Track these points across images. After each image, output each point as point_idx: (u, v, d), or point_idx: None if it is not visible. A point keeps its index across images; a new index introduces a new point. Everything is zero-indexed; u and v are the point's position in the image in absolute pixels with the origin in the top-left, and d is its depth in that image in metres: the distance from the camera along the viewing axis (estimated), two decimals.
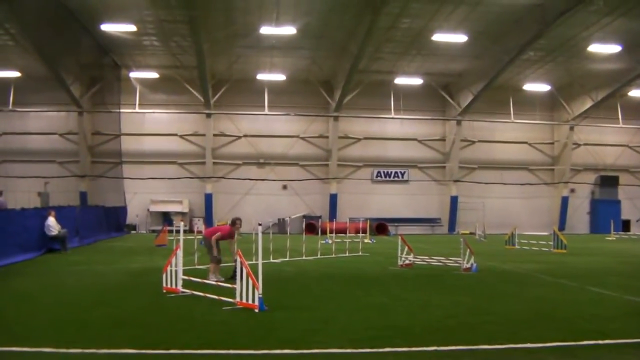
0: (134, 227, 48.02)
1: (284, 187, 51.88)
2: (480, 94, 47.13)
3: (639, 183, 56.98)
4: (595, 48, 40.04)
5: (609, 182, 55.61)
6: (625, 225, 54.80)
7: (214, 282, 15.07)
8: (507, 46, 39.70)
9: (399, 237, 22.36)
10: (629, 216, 56.04)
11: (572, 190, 55.89)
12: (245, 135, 51.40)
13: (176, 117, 50.63)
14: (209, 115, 49.53)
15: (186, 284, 14.47)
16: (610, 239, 44.16)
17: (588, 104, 50.68)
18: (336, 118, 50.70)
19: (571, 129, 53.84)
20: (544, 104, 54.37)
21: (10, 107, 46.63)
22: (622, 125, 53.76)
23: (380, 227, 49.23)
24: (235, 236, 17.63)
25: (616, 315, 12.16)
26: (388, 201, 53.02)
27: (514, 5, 34.89)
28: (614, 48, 39.99)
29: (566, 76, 48.66)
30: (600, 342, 9.65)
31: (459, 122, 51.92)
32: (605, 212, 53.88)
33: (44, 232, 26.28)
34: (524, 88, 51.07)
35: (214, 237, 16.97)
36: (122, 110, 47.45)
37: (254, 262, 13.35)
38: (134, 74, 47.42)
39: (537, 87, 50.98)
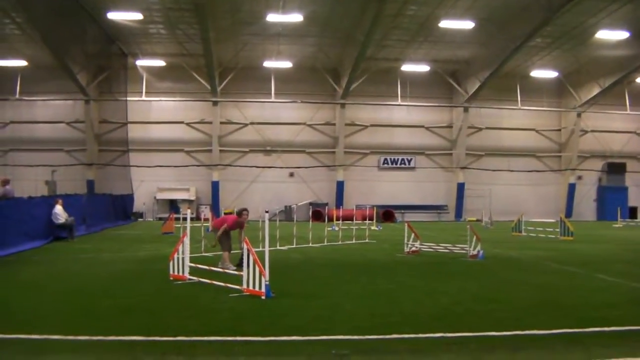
0: (141, 215, 48.16)
1: (291, 174, 51.92)
2: (487, 81, 47.03)
3: None
4: (602, 35, 39.96)
5: (616, 169, 55.49)
6: (632, 213, 54.68)
7: (219, 270, 15.10)
8: (514, 33, 39.61)
9: (406, 224, 22.37)
10: (636, 203, 55.98)
11: (579, 177, 55.81)
12: (251, 123, 51.43)
13: (183, 104, 50.64)
14: (215, 103, 49.56)
15: (193, 272, 14.52)
16: (617, 226, 44.10)
17: (595, 90, 50.51)
18: (343, 105, 50.65)
19: (578, 115, 53.70)
20: (551, 90, 54.22)
21: (17, 96, 46.82)
22: (630, 111, 53.63)
23: (386, 214, 49.26)
24: (245, 226, 17.66)
25: (622, 302, 12.14)
26: (395, 188, 53.03)
27: None
28: (621, 34, 39.86)
29: (574, 63, 48.51)
30: (606, 329, 9.64)
31: (466, 109, 51.82)
32: (612, 199, 53.82)
33: (51, 220, 26.35)
34: (531, 75, 50.97)
35: (220, 229, 17.00)
36: (128, 99, 47.53)
37: (260, 249, 13.37)
38: (140, 62, 47.48)
39: (544, 73, 50.85)
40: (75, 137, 49.28)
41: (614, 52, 44.24)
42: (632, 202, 55.69)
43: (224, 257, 16.88)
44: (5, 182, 23.90)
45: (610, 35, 40.23)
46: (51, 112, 48.73)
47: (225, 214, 44.82)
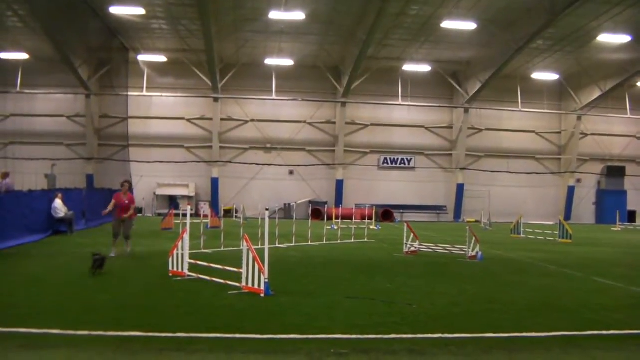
0: (140, 211, 48.07)
1: (291, 172, 51.96)
2: (488, 82, 47.05)
3: None
4: (604, 38, 40.01)
5: (615, 172, 55.58)
6: (631, 216, 54.71)
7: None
8: (516, 35, 39.64)
9: (405, 224, 22.39)
10: (635, 207, 56.00)
11: (579, 180, 55.89)
12: (252, 120, 51.45)
13: (183, 100, 50.67)
14: (216, 100, 49.58)
15: (192, 268, 14.54)
16: (615, 229, 44.13)
17: (596, 93, 50.58)
18: (343, 104, 50.68)
19: (579, 118, 53.76)
20: (552, 93, 54.27)
21: (18, 89, 46.78)
22: (630, 115, 53.71)
23: (386, 213, 49.31)
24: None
25: (621, 306, 12.16)
26: (394, 188, 53.08)
27: None
28: (623, 38, 39.95)
29: (575, 66, 48.51)
30: (604, 332, 9.68)
31: (466, 110, 51.85)
32: (611, 203, 53.87)
33: (51, 214, 26.39)
34: (532, 77, 51.05)
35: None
36: (129, 94, 47.50)
37: (260, 246, 13.39)
38: (142, 57, 47.48)
39: (545, 76, 50.88)
40: (75, 131, 49.31)
41: (615, 55, 44.32)
42: (631, 206, 55.70)
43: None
44: (5, 176, 23.93)
45: (612, 38, 40.29)
46: (52, 106, 48.70)
47: (224, 210, 45.06)
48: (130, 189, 20.84)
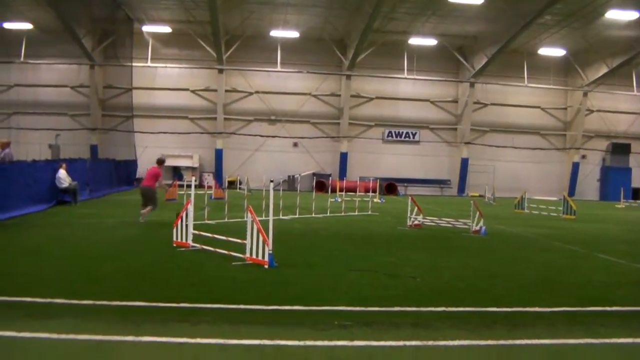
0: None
1: (295, 144, 51.91)
2: (494, 57, 46.84)
3: None
4: (612, 14, 39.61)
5: (620, 149, 55.39)
6: (635, 194, 54.60)
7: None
8: (523, 10, 39.36)
9: (409, 198, 22.40)
10: None
11: (583, 157, 55.77)
12: (257, 92, 51.33)
13: (188, 72, 50.48)
14: (221, 71, 49.42)
15: (196, 239, 14.56)
16: (619, 206, 44.05)
17: (603, 70, 50.31)
18: (349, 77, 50.52)
19: (585, 94, 53.56)
20: (558, 69, 54.01)
21: (22, 59, 46.60)
22: (637, 93, 53.35)
23: (389, 187, 49.33)
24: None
25: (624, 282, 12.15)
26: (398, 161, 53.06)
27: None
28: (632, 15, 39.52)
29: (582, 42, 48.14)
30: (607, 308, 9.67)
31: (472, 85, 51.67)
32: (615, 180, 53.78)
33: (55, 184, 26.39)
34: (538, 52, 50.69)
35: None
36: (134, 64, 47.29)
37: (264, 218, 13.40)
38: (146, 28, 47.25)
39: (552, 51, 50.48)
40: (79, 101, 49.24)
41: (623, 32, 43.98)
42: (635, 183, 55.62)
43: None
44: (5, 145, 23.85)
45: (620, 15, 39.88)
46: (56, 76, 48.59)
47: (228, 182, 45.07)
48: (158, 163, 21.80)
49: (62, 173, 26.58)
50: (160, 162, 21.93)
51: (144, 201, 20.87)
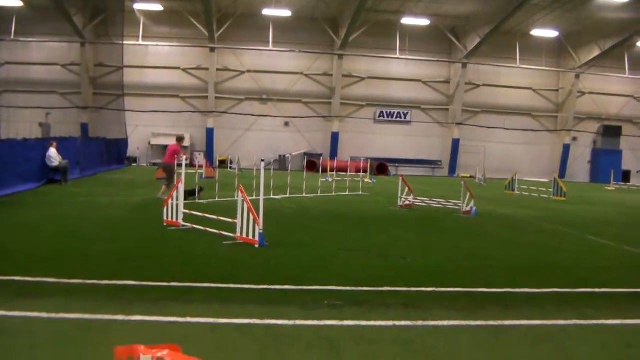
0: (135, 160, 48.18)
1: (286, 124, 51.89)
2: (486, 38, 46.86)
3: None
4: None
5: (611, 132, 55.58)
6: (626, 176, 54.90)
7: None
8: None
9: (400, 178, 22.39)
10: (630, 167, 56.17)
11: (574, 139, 55.95)
12: (248, 71, 51.24)
13: (180, 50, 50.33)
14: (212, 50, 49.28)
15: (187, 218, 14.55)
16: (609, 188, 44.22)
17: (595, 52, 50.40)
18: (340, 56, 50.43)
19: (577, 77, 53.64)
20: (551, 50, 54.07)
21: (12, 37, 46.24)
22: (629, 75, 53.49)
23: (380, 167, 49.44)
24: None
25: (613, 265, 12.21)
26: (389, 142, 53.13)
27: None
28: None
29: (575, 23, 48.16)
30: (597, 290, 9.72)
31: (464, 65, 51.66)
32: (606, 162, 54.01)
33: (45, 162, 26.28)
34: (531, 33, 50.74)
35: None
36: (125, 42, 47.01)
37: (255, 197, 13.39)
38: (138, 6, 46.98)
39: (544, 33, 50.56)
40: (70, 80, 49.01)
41: (616, 14, 44.00)
42: (625, 166, 55.86)
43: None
44: None
45: None
46: (46, 54, 48.29)
47: (219, 161, 44.99)
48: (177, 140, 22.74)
49: (52, 152, 26.46)
50: (180, 139, 22.89)
51: (166, 178, 21.75)
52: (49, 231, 13.59)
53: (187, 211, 14.73)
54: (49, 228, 14.09)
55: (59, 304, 7.49)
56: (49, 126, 39.31)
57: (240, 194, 12.59)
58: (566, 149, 55.60)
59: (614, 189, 44.38)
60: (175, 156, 20.94)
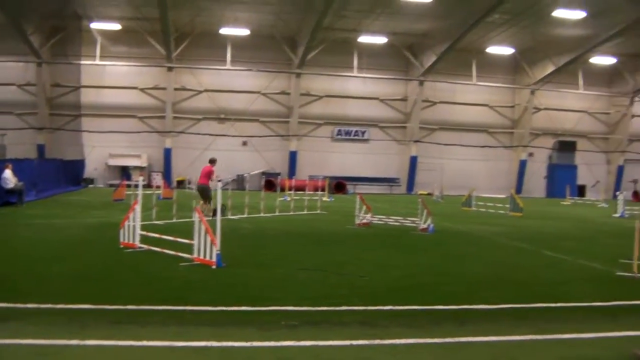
0: (92, 181, 47.73)
1: (244, 143, 51.80)
2: (443, 55, 47.31)
3: (596, 149, 57.87)
4: (560, 13, 40.31)
5: (566, 147, 56.42)
6: (581, 191, 55.60)
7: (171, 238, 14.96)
8: (472, 8, 39.80)
9: (357, 196, 22.46)
10: (585, 181, 56.91)
11: (531, 154, 56.61)
12: (206, 90, 51.12)
13: (137, 70, 50.03)
14: (170, 69, 49.07)
15: (144, 240, 14.43)
16: (565, 203, 44.82)
17: (550, 68, 51.13)
18: (298, 75, 50.56)
19: (532, 93, 54.34)
20: (506, 67, 54.81)
21: None
22: (583, 91, 54.44)
23: (339, 185, 49.48)
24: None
25: (569, 279, 12.35)
26: (348, 160, 53.26)
27: None
28: (578, 14, 40.27)
29: (530, 40, 48.84)
30: (552, 305, 9.82)
31: (421, 83, 52.07)
32: (561, 177, 54.74)
33: (0, 185, 25.95)
34: (487, 51, 51.33)
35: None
36: (82, 62, 46.73)
37: (211, 218, 13.33)
38: (95, 25, 46.67)
39: (500, 50, 51.23)
40: (26, 100, 48.34)
41: (570, 31, 44.70)
42: (580, 181, 56.62)
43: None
44: None
45: (568, 14, 40.60)
46: (1, 74, 47.49)
47: (177, 181, 44.75)
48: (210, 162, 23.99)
49: (7, 173, 26.14)
50: (212, 161, 24.02)
51: (202, 198, 22.53)
52: (2, 254, 13.39)
53: (144, 232, 14.63)
54: (3, 251, 13.90)
55: (12, 329, 7.39)
56: (4, 147, 38.89)
57: (197, 214, 12.55)
58: (522, 164, 56.22)
59: (569, 203, 44.98)
60: (210, 177, 22.54)
